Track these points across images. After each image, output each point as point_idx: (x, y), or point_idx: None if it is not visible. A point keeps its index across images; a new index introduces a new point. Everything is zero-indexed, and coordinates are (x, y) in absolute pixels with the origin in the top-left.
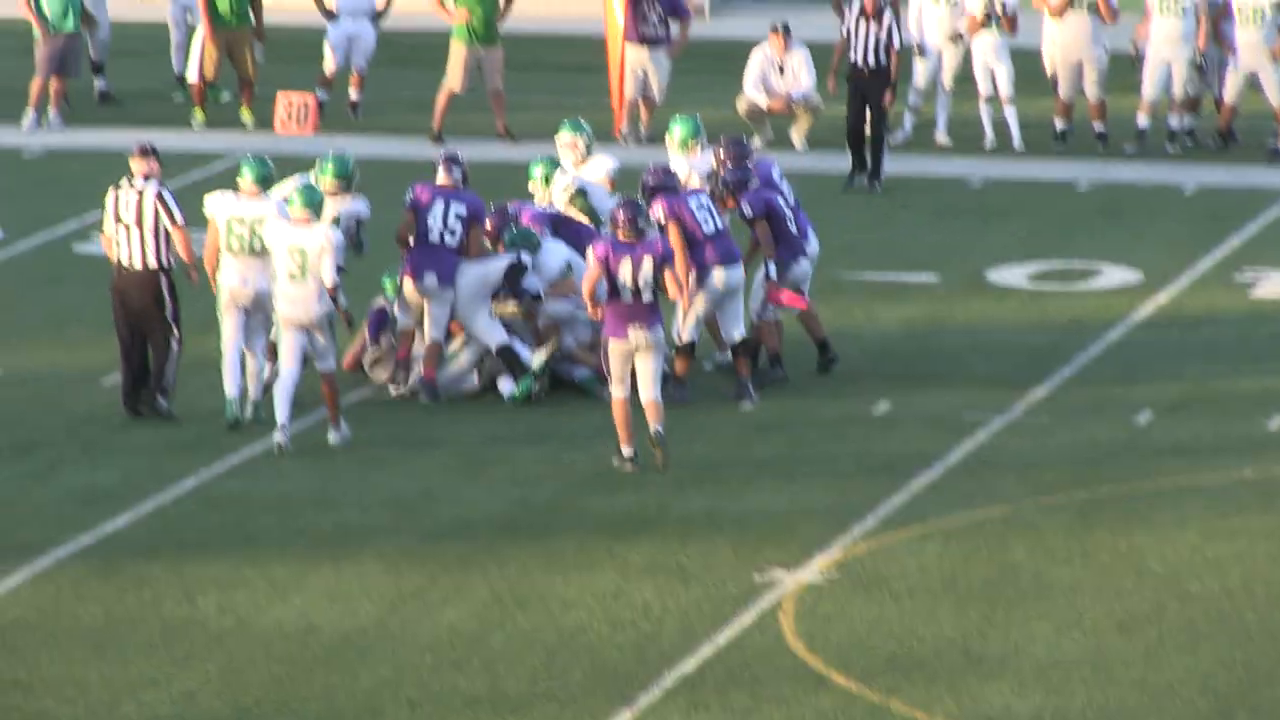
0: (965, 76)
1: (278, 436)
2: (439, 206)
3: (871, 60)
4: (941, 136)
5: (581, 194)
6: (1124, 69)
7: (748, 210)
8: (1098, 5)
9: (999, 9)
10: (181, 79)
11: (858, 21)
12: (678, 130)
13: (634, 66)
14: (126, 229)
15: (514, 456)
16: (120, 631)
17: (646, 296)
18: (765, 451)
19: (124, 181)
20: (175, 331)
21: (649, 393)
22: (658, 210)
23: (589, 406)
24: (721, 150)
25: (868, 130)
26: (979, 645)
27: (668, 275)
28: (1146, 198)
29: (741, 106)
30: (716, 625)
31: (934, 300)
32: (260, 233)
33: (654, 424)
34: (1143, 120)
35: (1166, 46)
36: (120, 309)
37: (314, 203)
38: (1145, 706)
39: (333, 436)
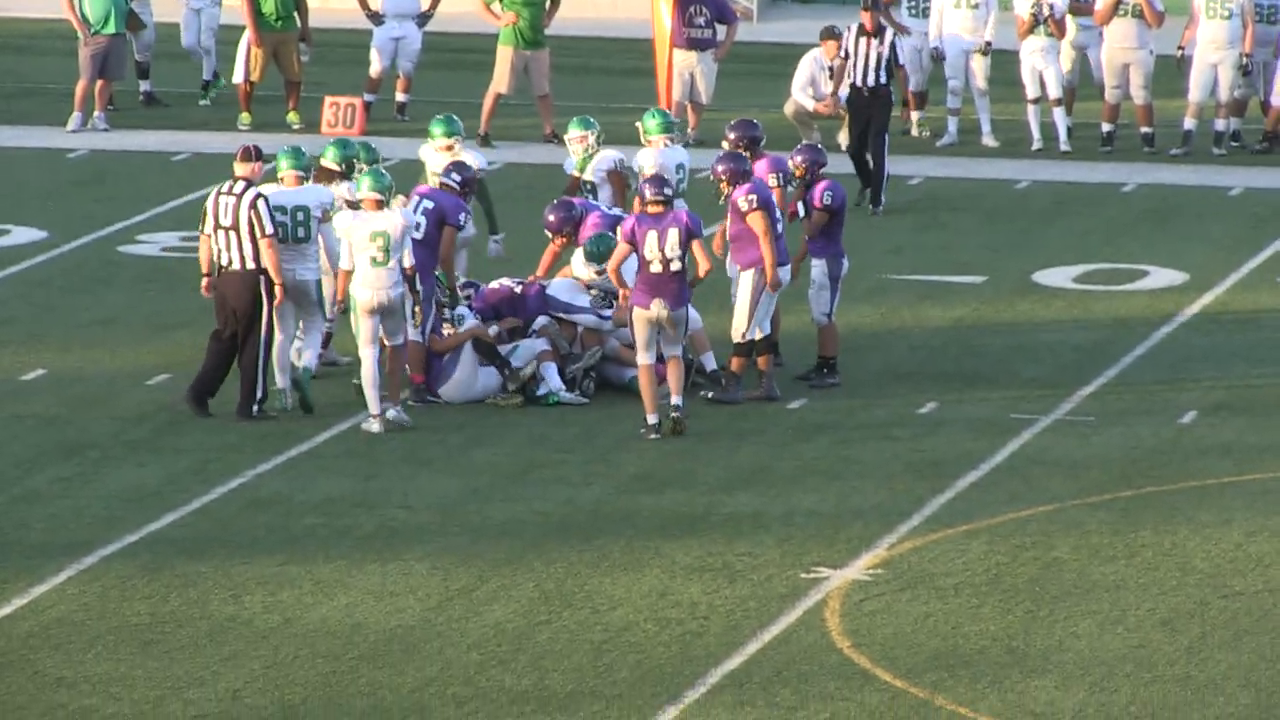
0: (1008, 80)
1: (375, 426)
2: (413, 202)
3: (871, 79)
4: (987, 139)
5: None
6: (1170, 72)
7: (828, 199)
8: (1142, 9)
9: (1046, 11)
10: (207, 84)
11: (857, 40)
12: (651, 122)
13: (681, 70)
14: (225, 233)
15: (561, 457)
16: (166, 630)
17: (674, 267)
18: (812, 451)
19: (226, 185)
20: (265, 331)
21: (672, 350)
22: (750, 199)
23: (636, 408)
24: (730, 130)
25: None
26: (1023, 642)
27: (696, 247)
28: (1192, 200)
29: (789, 109)
30: (763, 623)
31: (981, 302)
32: (300, 220)
33: (674, 395)
34: (1189, 123)
35: (1212, 49)
36: (221, 309)
37: (384, 187)
38: (1188, 702)
39: (391, 412)
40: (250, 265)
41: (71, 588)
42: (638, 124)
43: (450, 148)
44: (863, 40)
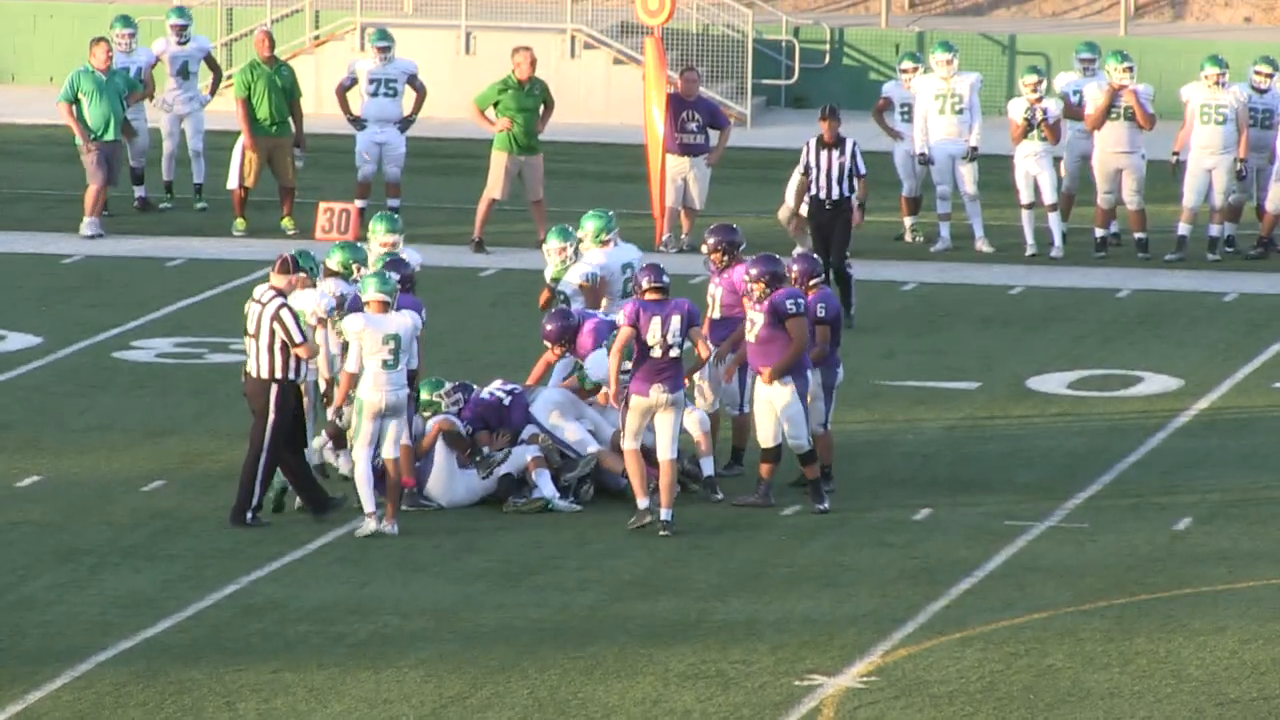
0: (1002, 185)
1: (370, 525)
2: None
3: (835, 192)
4: (980, 244)
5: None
6: (1163, 177)
7: (822, 311)
8: (1135, 113)
9: (1040, 116)
10: (169, 186)
11: (818, 152)
12: (590, 225)
13: (674, 175)
14: (250, 339)
15: (556, 563)
16: None
17: (674, 354)
18: (806, 557)
19: (259, 292)
20: (268, 441)
21: (666, 452)
22: (798, 303)
23: (630, 513)
24: (709, 235)
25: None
26: None
27: (695, 334)
28: (1187, 305)
29: (783, 215)
30: None
31: (975, 407)
32: (303, 323)
33: (664, 508)
34: (1183, 228)
35: (1207, 154)
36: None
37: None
38: None
39: (388, 527)
40: (264, 374)
41: (67, 694)
42: (581, 231)
43: (394, 244)
44: (823, 152)
